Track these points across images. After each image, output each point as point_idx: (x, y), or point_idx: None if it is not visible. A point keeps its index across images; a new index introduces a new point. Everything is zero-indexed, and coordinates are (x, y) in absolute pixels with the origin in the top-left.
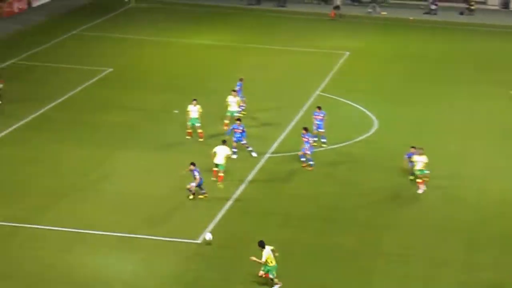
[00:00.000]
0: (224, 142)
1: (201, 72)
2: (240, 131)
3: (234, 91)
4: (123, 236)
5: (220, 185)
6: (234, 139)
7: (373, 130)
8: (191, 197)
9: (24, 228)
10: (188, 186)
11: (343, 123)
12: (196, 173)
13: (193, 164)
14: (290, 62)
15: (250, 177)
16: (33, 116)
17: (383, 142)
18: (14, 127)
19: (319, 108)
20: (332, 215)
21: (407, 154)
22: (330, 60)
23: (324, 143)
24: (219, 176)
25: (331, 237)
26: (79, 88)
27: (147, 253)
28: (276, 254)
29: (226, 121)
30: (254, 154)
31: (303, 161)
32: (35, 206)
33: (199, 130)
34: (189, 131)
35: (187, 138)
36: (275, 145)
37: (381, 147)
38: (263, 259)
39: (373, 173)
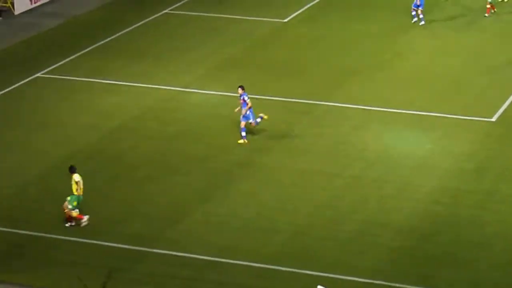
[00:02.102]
0: None
1: None
2: None
3: None
4: (417, 114)
5: None
6: None
7: None
8: None
9: (319, 105)
10: None
11: None
12: None
13: None
14: None
15: None
16: None
17: None
18: (306, 7)
19: None
20: None
21: None
22: None
23: None
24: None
25: None
26: None
27: (441, 131)
28: None
29: None
30: None
31: None
32: (328, 84)
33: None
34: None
35: (485, 16)
36: None
37: None
38: None
39: None
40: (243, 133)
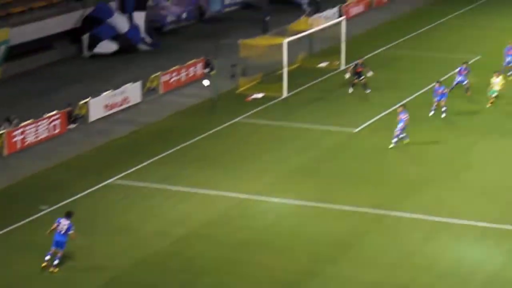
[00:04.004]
0: None
1: None
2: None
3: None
4: (488, 226)
5: None
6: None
7: None
8: None
9: (389, 215)
10: None
11: None
12: None
13: None
14: None
15: None
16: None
17: None
18: (381, 114)
19: None
20: None
21: None
22: None
23: None
24: None
25: None
26: (446, 76)
27: None
28: None
29: None
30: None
31: None
32: (398, 194)
33: None
34: None
35: None
36: None
37: None
38: None
39: None
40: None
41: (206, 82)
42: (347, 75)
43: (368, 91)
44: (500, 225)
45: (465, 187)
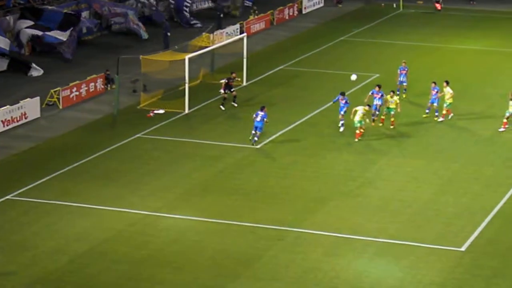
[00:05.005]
0: None
1: (469, 78)
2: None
3: None
4: (387, 242)
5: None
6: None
7: None
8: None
9: (290, 231)
10: None
11: None
12: None
13: None
14: None
15: None
16: (299, 121)
17: None
18: (282, 131)
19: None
20: None
21: None
22: None
23: None
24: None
25: None
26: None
27: (411, 259)
28: None
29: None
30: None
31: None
32: (300, 210)
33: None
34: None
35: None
36: None
37: None
38: None
39: None
40: None
41: (353, 77)
42: (221, 91)
43: (235, 105)
44: (399, 241)
45: (365, 203)
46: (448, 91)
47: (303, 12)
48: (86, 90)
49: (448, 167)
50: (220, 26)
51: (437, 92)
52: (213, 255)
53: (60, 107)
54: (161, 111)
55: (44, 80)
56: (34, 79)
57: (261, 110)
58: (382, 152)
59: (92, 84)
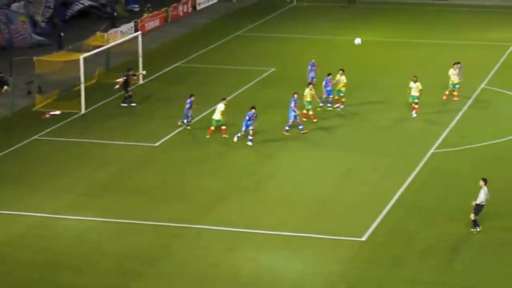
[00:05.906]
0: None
1: (365, 68)
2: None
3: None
4: (288, 235)
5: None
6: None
7: None
8: None
9: (191, 228)
10: None
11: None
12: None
13: None
14: (453, 56)
15: (413, 174)
16: (197, 118)
17: None
18: (181, 128)
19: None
20: (501, 211)
21: None
22: (495, 53)
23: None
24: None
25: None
26: (243, 89)
27: (312, 251)
28: None
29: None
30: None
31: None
32: (200, 207)
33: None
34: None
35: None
36: (439, 141)
37: None
38: None
39: None
40: None
41: (357, 40)
42: (117, 87)
43: (133, 104)
44: (300, 234)
45: (266, 197)
46: (342, 79)
47: (197, 8)
48: None
49: (347, 158)
50: (114, 25)
51: (328, 83)
52: (115, 255)
53: None
54: (57, 112)
55: None
56: None
57: (250, 109)
58: (281, 146)
59: None
